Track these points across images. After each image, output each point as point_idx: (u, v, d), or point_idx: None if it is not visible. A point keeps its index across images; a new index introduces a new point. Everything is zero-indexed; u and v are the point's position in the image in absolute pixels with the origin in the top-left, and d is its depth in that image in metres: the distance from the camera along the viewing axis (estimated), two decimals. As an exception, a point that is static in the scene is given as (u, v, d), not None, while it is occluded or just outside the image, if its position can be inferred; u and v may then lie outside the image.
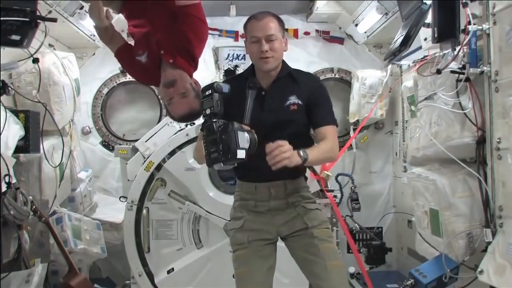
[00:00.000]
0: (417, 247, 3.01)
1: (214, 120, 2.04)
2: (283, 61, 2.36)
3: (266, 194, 2.32)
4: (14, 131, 2.94)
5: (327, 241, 2.30)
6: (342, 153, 4.38)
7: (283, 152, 1.97)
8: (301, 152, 2.05)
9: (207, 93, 2.10)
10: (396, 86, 4.53)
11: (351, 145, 4.60)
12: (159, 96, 2.50)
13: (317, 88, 2.36)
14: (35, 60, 2.33)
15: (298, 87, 2.31)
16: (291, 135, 2.19)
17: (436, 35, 2.51)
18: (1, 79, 2.32)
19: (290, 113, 2.27)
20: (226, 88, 2.11)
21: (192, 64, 2.47)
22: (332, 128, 2.30)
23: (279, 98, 2.29)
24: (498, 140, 2.28)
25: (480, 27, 2.37)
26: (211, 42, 4.85)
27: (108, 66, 4.81)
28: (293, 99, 2.28)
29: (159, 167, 3.62)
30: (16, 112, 3.07)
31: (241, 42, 4.79)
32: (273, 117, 2.26)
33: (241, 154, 1.95)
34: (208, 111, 2.08)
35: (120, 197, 4.12)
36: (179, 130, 3.74)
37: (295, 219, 2.32)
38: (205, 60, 4.76)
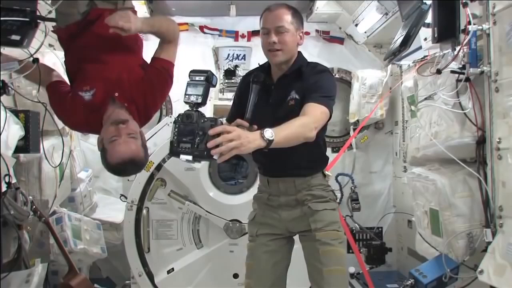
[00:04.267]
0: (417, 247, 3.01)
1: (197, 110, 1.92)
2: (300, 55, 2.28)
3: (277, 189, 2.31)
4: (14, 131, 2.93)
5: (330, 244, 2.23)
6: (342, 153, 4.37)
7: (228, 140, 1.71)
8: (265, 133, 1.78)
9: (197, 78, 1.96)
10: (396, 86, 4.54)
11: (351, 145, 4.60)
12: (97, 140, 2.19)
13: (314, 73, 2.22)
14: (35, 60, 2.32)
15: (301, 81, 2.22)
16: None
17: (436, 35, 2.51)
18: (1, 79, 2.31)
19: (287, 109, 2.19)
20: (215, 81, 2.04)
21: (141, 120, 2.24)
22: (315, 106, 2.06)
23: (283, 93, 2.24)
24: (498, 140, 2.28)
25: (480, 27, 2.37)
26: (211, 42, 4.86)
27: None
28: (292, 94, 2.21)
29: (159, 167, 3.61)
30: (16, 112, 3.06)
31: (241, 42, 4.73)
32: (274, 113, 2.21)
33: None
34: (193, 98, 1.94)
35: (120, 196, 4.12)
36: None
37: (302, 219, 2.29)
38: (205, 60, 4.76)
